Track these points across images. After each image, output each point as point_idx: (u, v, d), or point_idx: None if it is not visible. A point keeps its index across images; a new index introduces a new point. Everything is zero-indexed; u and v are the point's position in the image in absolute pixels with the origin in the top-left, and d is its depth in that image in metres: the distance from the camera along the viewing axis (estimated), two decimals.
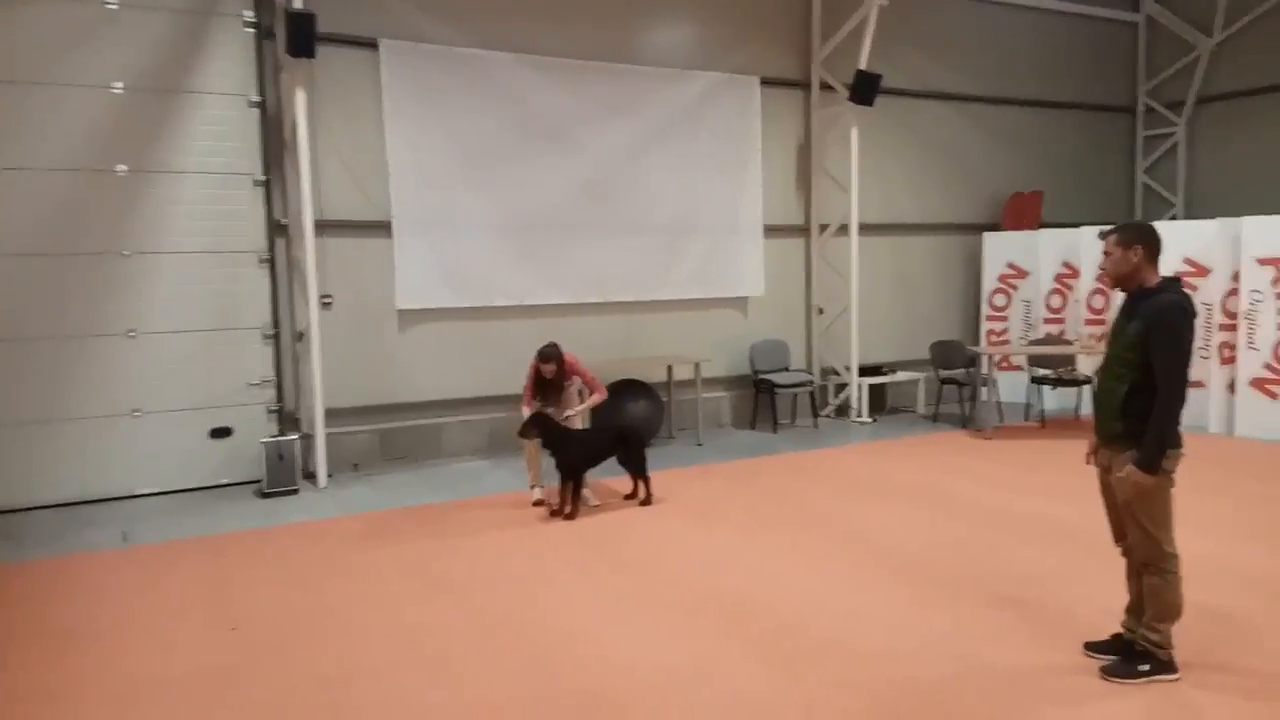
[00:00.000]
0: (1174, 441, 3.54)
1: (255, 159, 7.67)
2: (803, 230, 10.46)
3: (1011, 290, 11.05)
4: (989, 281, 11.14)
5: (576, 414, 6.78)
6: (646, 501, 6.71)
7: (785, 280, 10.36)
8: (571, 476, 6.41)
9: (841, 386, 10.38)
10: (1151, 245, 3.62)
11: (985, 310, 11.21)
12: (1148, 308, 3.55)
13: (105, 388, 7.25)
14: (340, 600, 4.93)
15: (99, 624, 4.65)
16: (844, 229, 10.10)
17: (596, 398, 6.89)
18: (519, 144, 8.68)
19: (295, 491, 7.41)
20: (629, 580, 5.13)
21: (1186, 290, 3.60)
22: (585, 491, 6.61)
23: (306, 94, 7.38)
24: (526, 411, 6.55)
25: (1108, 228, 3.78)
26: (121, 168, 7.20)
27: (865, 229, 10.42)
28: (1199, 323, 8.82)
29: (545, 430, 6.34)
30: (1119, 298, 3.79)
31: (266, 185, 7.73)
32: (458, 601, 4.87)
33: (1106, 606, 4.19)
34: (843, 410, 10.33)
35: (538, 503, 6.66)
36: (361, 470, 8.18)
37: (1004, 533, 5.80)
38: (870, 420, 10.05)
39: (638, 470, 6.71)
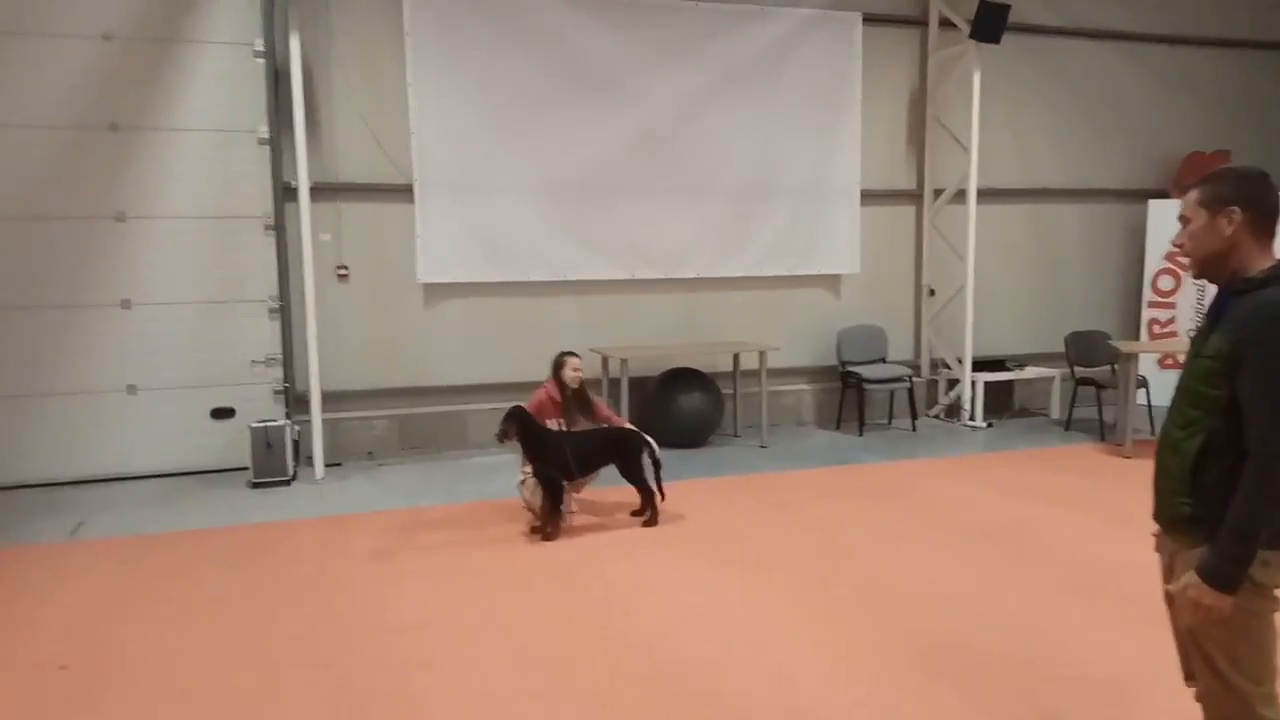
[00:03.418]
0: (1275, 538, 2.07)
1: (260, 115, 6.95)
2: (913, 196, 8.84)
3: (1182, 272, 8.99)
4: (1153, 260, 9.11)
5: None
6: (651, 521, 5.54)
7: (889, 255, 8.80)
8: (552, 489, 5.32)
9: (953, 383, 8.75)
10: (1259, 207, 2.12)
11: (1147, 295, 9.19)
12: (1241, 310, 2.08)
13: (97, 361, 6.77)
14: (209, 636, 4.08)
15: None
16: (963, 194, 8.42)
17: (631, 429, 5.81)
18: (562, 95, 7.58)
19: (288, 482, 6.72)
20: (565, 638, 4.00)
21: None
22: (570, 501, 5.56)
23: (300, 38, 6.60)
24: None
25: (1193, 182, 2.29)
26: (113, 124, 6.65)
27: (995, 195, 8.75)
28: None
29: (524, 429, 5.27)
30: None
31: (273, 144, 7.00)
32: (335, 655, 3.90)
33: None
34: (953, 411, 8.71)
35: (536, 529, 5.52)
36: (376, 459, 7.41)
37: (1094, 603, 4.25)
38: (985, 425, 8.38)
39: (637, 484, 5.53)
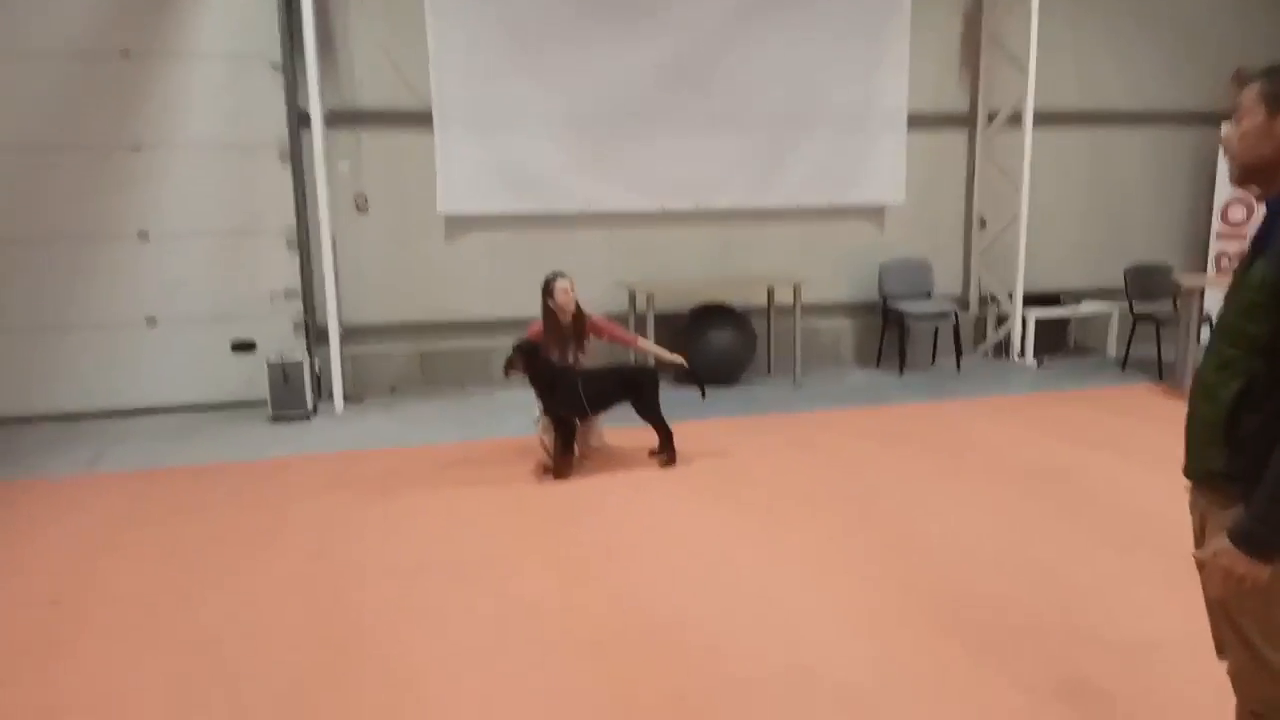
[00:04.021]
0: None
1: (273, 40, 6.71)
2: (965, 121, 8.30)
3: (1256, 202, 8.34)
4: (1224, 189, 8.48)
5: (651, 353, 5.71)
6: (669, 462, 5.30)
7: (937, 184, 8.30)
8: (563, 427, 5.11)
9: (1003, 319, 8.30)
10: None
11: (1216, 226, 8.59)
12: None
13: (116, 293, 6.69)
14: (202, 573, 3.98)
15: None
16: (1019, 118, 7.87)
17: (649, 345, 5.70)
18: (590, 17, 7.18)
19: (307, 417, 6.63)
20: (563, 585, 3.81)
21: None
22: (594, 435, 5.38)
23: None
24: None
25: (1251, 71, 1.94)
26: (124, 50, 6.46)
27: (1053, 118, 8.19)
28: None
29: (532, 363, 5.04)
30: None
31: (287, 70, 6.76)
32: (325, 598, 3.77)
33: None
34: (1003, 349, 8.28)
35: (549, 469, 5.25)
36: (399, 394, 7.29)
37: (1135, 557, 3.94)
38: (1035, 364, 7.95)
39: (654, 422, 5.29)
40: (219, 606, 3.67)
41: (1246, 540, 1.73)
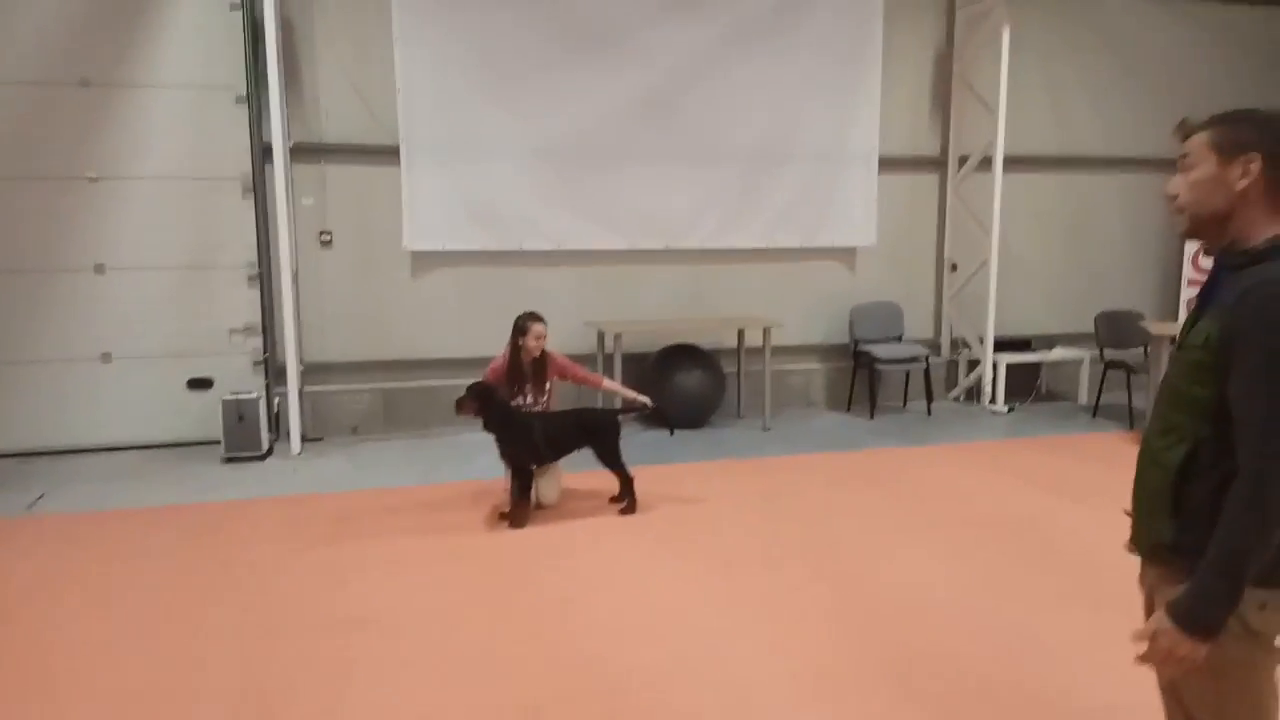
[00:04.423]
0: (1275, 574, 1.65)
1: (237, 71, 6.62)
2: (937, 164, 8.29)
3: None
4: None
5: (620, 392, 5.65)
6: (629, 509, 5.16)
7: (908, 227, 8.27)
8: (519, 473, 4.97)
9: (974, 364, 8.24)
10: None
11: (1187, 273, 8.59)
12: (1234, 289, 1.66)
13: (71, 328, 6.53)
14: (133, 625, 3.80)
15: None
16: (990, 162, 7.86)
17: (615, 385, 5.64)
18: (560, 51, 7.14)
19: (262, 458, 6.46)
20: (509, 641, 3.65)
21: None
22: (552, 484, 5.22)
23: None
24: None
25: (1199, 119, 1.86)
26: (84, 80, 6.35)
27: (1025, 163, 8.20)
28: None
29: (486, 406, 4.90)
30: None
31: (251, 102, 6.67)
32: (259, 653, 3.60)
33: None
34: (974, 394, 8.21)
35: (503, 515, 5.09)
36: (360, 435, 7.13)
37: (1102, 614, 3.82)
38: (1005, 410, 7.87)
39: (615, 469, 5.15)
40: (144, 660, 3.49)
41: (1188, 619, 1.63)
